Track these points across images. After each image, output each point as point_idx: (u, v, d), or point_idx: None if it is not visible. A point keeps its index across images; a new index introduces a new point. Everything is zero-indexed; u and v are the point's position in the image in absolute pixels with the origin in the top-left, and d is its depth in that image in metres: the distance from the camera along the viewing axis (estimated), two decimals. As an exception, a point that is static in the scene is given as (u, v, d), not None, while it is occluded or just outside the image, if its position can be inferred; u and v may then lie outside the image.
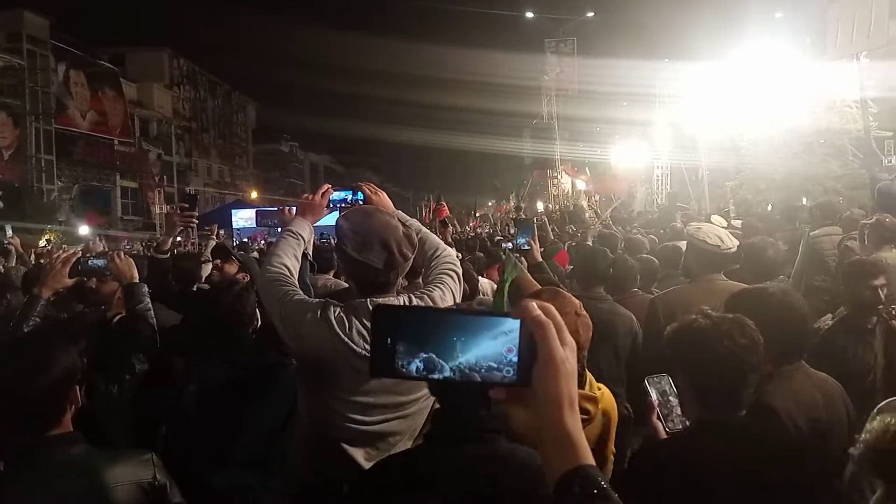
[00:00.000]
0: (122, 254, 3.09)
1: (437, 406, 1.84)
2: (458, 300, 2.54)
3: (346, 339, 2.23)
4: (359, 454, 2.31)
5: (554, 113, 33.59)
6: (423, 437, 2.36)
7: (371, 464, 2.28)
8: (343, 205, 2.79)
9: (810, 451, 2.07)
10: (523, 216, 16.87)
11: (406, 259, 2.36)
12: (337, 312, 2.29)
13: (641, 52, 25.83)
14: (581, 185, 28.79)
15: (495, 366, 0.87)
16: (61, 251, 3.21)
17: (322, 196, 2.72)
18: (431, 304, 2.40)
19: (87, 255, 3.14)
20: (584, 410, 2.35)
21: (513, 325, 0.88)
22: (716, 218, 10.20)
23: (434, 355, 0.88)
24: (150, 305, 2.89)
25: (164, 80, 49.12)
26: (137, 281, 2.97)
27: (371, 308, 2.29)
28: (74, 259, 2.91)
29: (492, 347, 0.87)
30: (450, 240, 11.00)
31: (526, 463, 1.66)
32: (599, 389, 2.47)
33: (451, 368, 0.88)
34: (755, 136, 14.52)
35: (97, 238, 7.64)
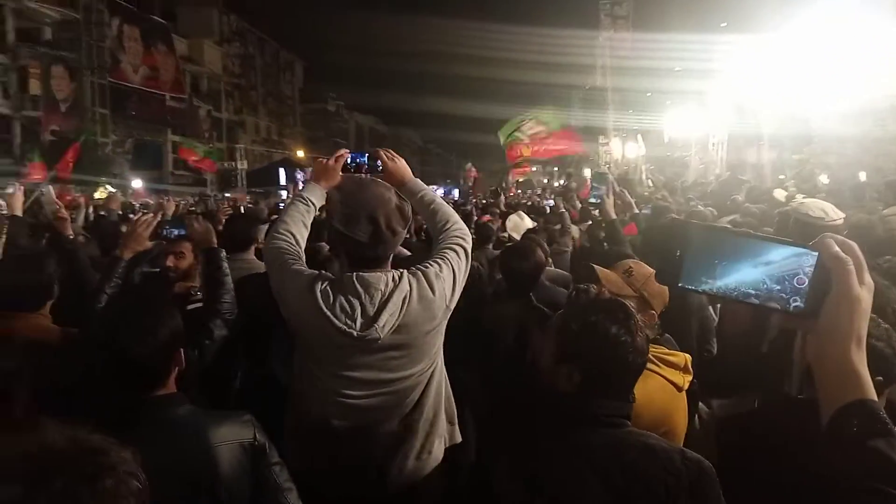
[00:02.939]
0: (201, 218, 3.09)
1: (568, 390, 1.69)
2: (463, 275, 2.46)
3: (329, 313, 2.19)
4: (344, 429, 2.28)
5: (607, 78, 32.77)
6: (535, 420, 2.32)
7: (356, 439, 2.28)
8: (359, 168, 2.68)
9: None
10: (571, 184, 16.58)
11: (395, 234, 2.29)
12: (324, 286, 2.25)
13: (700, 17, 24.85)
14: (632, 151, 28.12)
15: (752, 292, 0.92)
16: (143, 214, 3.25)
17: (336, 161, 2.62)
18: (426, 281, 2.33)
19: (165, 223, 3.16)
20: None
21: (781, 254, 0.92)
22: (778, 192, 9.85)
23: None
24: (228, 270, 2.89)
25: (214, 36, 49.47)
26: (216, 245, 2.96)
27: (357, 283, 2.25)
28: (155, 223, 2.95)
29: (751, 275, 0.92)
30: (502, 207, 10.89)
31: (660, 449, 1.57)
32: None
33: (706, 290, 0.95)
34: (825, 110, 13.85)
35: (169, 198, 7.74)
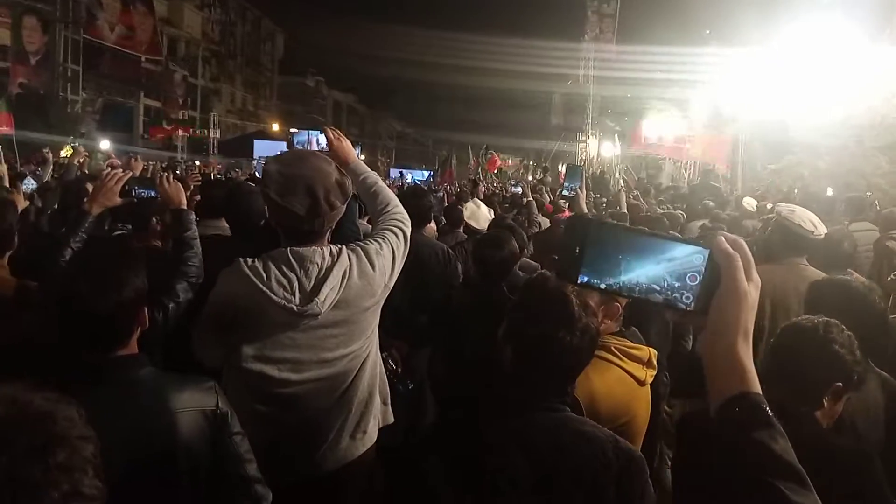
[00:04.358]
0: (171, 177, 3.00)
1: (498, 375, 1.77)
2: (401, 257, 2.47)
3: (265, 289, 2.15)
4: (279, 410, 2.26)
5: (590, 75, 32.88)
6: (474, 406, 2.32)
7: (292, 418, 2.25)
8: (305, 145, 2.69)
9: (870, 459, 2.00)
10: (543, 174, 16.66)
11: (334, 208, 2.24)
12: (251, 262, 2.21)
13: (684, 23, 25.04)
14: (608, 151, 28.32)
15: (657, 288, 0.93)
16: (112, 169, 3.14)
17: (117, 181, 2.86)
18: (366, 257, 2.32)
19: (134, 183, 3.06)
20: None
21: (681, 252, 0.93)
22: (747, 200, 10.02)
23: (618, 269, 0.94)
24: (196, 233, 2.82)
25: (196, -1, 48.38)
26: (185, 207, 2.88)
27: (292, 257, 2.21)
28: (126, 178, 2.86)
29: (654, 270, 0.93)
30: (480, 196, 10.91)
31: (594, 436, 1.62)
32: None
33: (609, 285, 0.95)
34: (804, 121, 14.08)
35: (137, 157, 7.54)
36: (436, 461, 1.65)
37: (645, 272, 0.93)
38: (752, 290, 0.92)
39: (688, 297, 0.93)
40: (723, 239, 0.93)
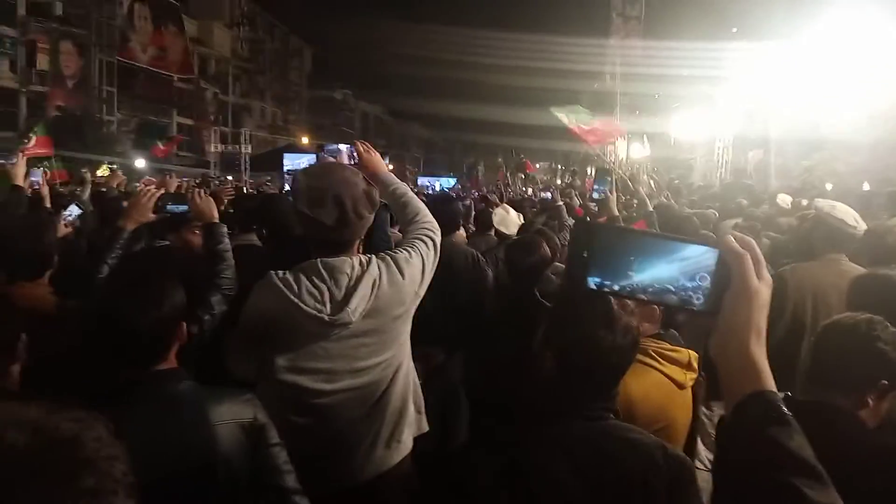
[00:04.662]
0: (203, 192, 3.06)
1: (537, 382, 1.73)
2: (431, 265, 2.47)
3: (296, 300, 2.16)
4: (313, 421, 2.26)
5: (616, 82, 32.59)
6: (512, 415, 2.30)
7: (326, 429, 2.25)
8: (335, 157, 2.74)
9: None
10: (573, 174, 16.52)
11: (362, 218, 2.26)
12: (284, 276, 2.22)
13: (711, 22, 24.64)
14: (637, 152, 28.04)
15: (671, 288, 0.93)
16: (146, 185, 3.22)
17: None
18: (395, 266, 2.32)
19: (167, 199, 3.13)
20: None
21: (691, 252, 0.93)
22: (782, 196, 9.82)
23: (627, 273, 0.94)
24: (229, 246, 2.86)
25: (225, 18, 49.28)
26: (217, 220, 2.93)
27: (322, 268, 2.22)
28: (159, 194, 2.93)
29: (667, 271, 0.93)
30: (506, 200, 10.88)
31: (641, 443, 1.56)
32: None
33: (623, 286, 0.94)
34: (835, 116, 13.78)
35: (172, 174, 7.72)
36: (480, 470, 1.58)
37: (658, 272, 0.93)
38: (763, 289, 0.92)
39: (699, 298, 0.93)
40: (732, 238, 0.93)
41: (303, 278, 2.22)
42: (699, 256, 0.93)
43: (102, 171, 20.15)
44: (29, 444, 0.73)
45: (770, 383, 0.90)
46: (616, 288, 0.95)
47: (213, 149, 38.41)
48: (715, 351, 0.94)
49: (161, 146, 24.60)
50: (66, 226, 4.45)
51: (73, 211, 4.99)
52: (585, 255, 0.95)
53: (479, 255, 4.30)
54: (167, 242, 3.51)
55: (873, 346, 1.83)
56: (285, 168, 31.22)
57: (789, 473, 0.83)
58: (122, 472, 0.78)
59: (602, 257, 0.95)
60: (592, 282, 0.96)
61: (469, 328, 3.75)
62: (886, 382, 1.83)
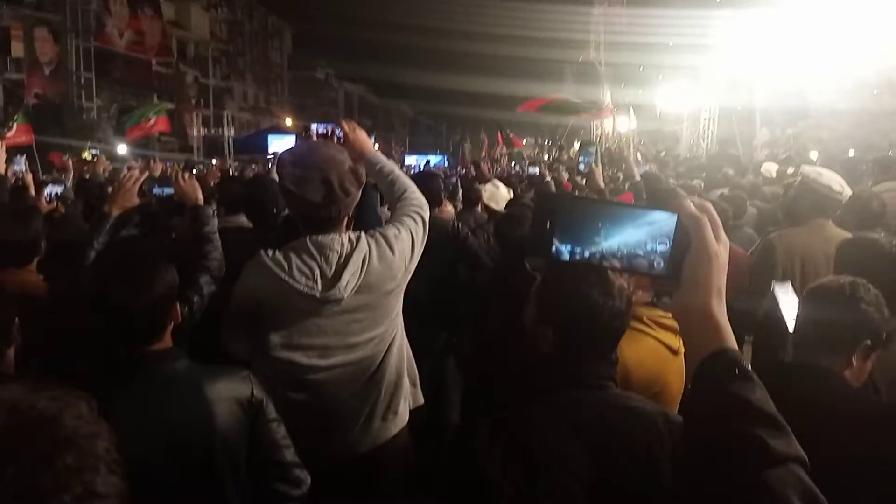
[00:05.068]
0: (187, 175, 3.04)
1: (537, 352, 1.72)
2: (421, 240, 2.49)
3: (287, 279, 2.18)
4: (309, 396, 2.29)
5: (600, 52, 32.42)
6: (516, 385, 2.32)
7: (322, 404, 2.28)
8: (324, 137, 2.74)
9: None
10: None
11: (349, 194, 2.28)
12: (273, 254, 2.24)
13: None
14: (623, 125, 28.03)
15: (640, 253, 0.95)
16: (130, 171, 3.19)
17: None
18: (385, 242, 2.34)
19: (152, 182, 3.11)
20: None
21: (658, 216, 0.95)
22: (766, 166, 9.88)
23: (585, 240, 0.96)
24: (216, 228, 2.86)
25: (202, 0, 48.45)
26: (202, 203, 2.92)
27: (312, 245, 2.24)
28: (143, 178, 2.92)
29: (634, 236, 0.95)
30: (487, 175, 10.89)
31: (643, 411, 1.55)
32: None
33: (593, 253, 0.96)
34: (820, 84, 13.80)
35: (156, 159, 7.65)
36: (481, 445, 1.55)
37: (625, 238, 0.95)
38: (722, 250, 0.94)
39: (659, 263, 0.96)
40: (689, 202, 0.95)
41: (293, 256, 2.24)
42: (661, 222, 0.95)
43: (86, 155, 19.87)
44: (5, 424, 0.73)
45: (731, 341, 0.92)
46: (587, 255, 0.97)
47: (195, 133, 37.94)
48: (677, 312, 0.97)
49: (131, 127, 24.21)
50: (48, 202, 4.43)
51: (53, 189, 4.99)
52: (548, 224, 0.97)
53: (458, 223, 4.29)
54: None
55: (857, 307, 1.87)
56: (270, 150, 31.00)
57: (753, 425, 0.85)
58: (104, 448, 0.78)
59: (568, 226, 0.97)
60: (564, 250, 0.97)
61: (460, 302, 3.77)
62: (870, 342, 1.86)
